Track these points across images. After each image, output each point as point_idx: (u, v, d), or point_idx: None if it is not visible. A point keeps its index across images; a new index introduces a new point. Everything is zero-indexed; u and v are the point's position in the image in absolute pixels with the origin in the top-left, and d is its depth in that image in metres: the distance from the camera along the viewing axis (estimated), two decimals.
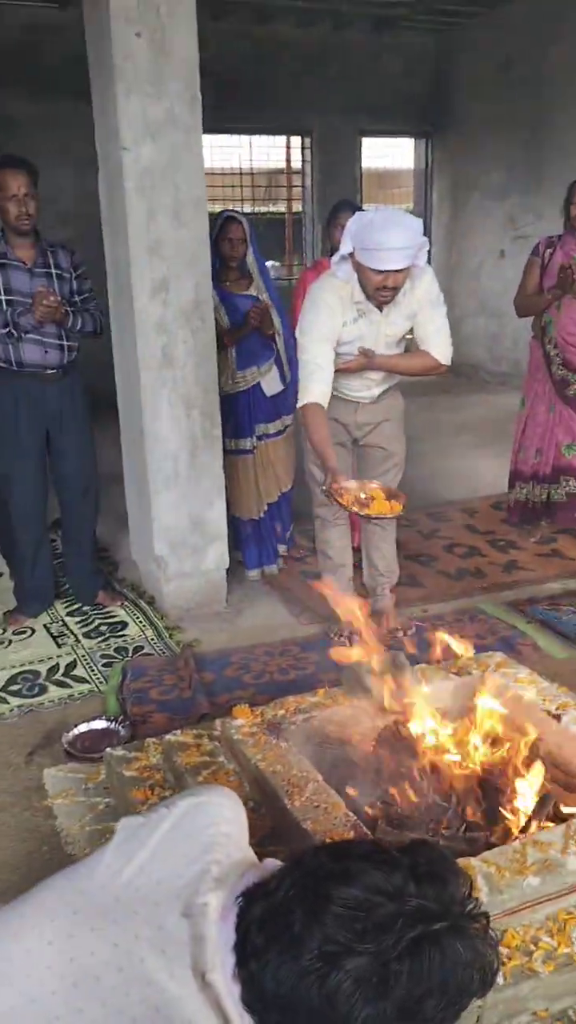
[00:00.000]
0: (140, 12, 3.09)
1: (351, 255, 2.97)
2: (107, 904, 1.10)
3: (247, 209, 9.74)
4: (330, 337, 3.06)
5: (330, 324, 3.05)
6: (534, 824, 2.06)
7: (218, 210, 4.46)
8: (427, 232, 9.25)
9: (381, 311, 3.10)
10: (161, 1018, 1.03)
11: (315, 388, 3.06)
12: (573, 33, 7.22)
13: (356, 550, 3.66)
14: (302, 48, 8.46)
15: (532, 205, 7.81)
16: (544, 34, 7.50)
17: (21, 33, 7.22)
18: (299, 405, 3.09)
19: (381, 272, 2.90)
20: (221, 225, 3.75)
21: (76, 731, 2.78)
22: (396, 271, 2.91)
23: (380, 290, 2.96)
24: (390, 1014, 0.97)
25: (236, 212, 3.84)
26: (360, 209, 3.88)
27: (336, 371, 3.11)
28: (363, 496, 2.92)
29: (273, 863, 1.14)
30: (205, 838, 1.16)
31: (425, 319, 3.17)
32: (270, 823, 2.12)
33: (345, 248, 2.97)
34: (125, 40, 3.10)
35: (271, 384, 3.92)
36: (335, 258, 3.07)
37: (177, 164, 3.28)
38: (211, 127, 8.77)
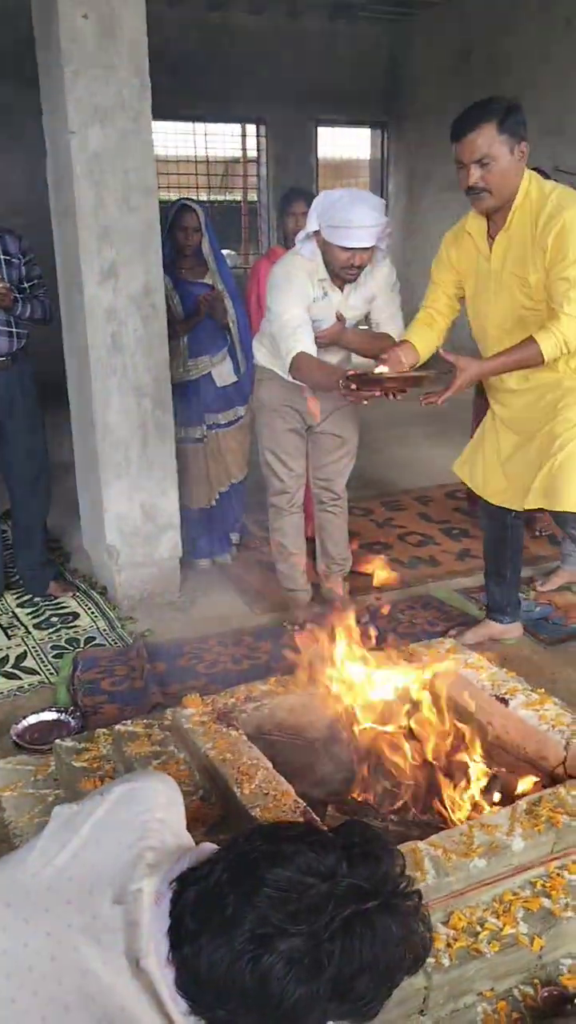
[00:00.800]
0: None
1: (316, 233, 2.96)
2: (39, 893, 1.09)
3: (203, 197, 9.66)
4: (303, 303, 3.02)
5: (302, 293, 3.02)
6: (483, 807, 2.09)
7: (174, 198, 4.42)
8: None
9: (343, 291, 3.09)
10: (95, 1006, 1.02)
11: (304, 339, 2.98)
12: (529, 22, 7.27)
13: (309, 539, 3.67)
14: (256, 36, 8.41)
15: None
16: (500, 24, 7.55)
17: None
18: (290, 357, 2.98)
19: (349, 250, 2.90)
20: (175, 213, 3.71)
21: (25, 723, 2.75)
22: (363, 249, 2.91)
23: (347, 268, 2.96)
24: (323, 993, 0.98)
25: (190, 200, 3.80)
26: (313, 198, 3.87)
27: None
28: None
29: (209, 847, 1.14)
30: (138, 824, 1.15)
31: (383, 303, 3.18)
32: (220, 811, 2.12)
33: (311, 226, 2.96)
34: (72, 21, 3.05)
35: (223, 375, 3.89)
36: (300, 236, 3.04)
37: (126, 149, 3.24)
38: (165, 114, 8.74)
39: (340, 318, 3.08)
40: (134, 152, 3.26)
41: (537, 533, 4.50)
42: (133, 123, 3.23)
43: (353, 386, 2.68)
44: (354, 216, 2.84)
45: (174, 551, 3.73)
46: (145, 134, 3.28)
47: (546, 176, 3.89)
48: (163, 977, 1.01)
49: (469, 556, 4.24)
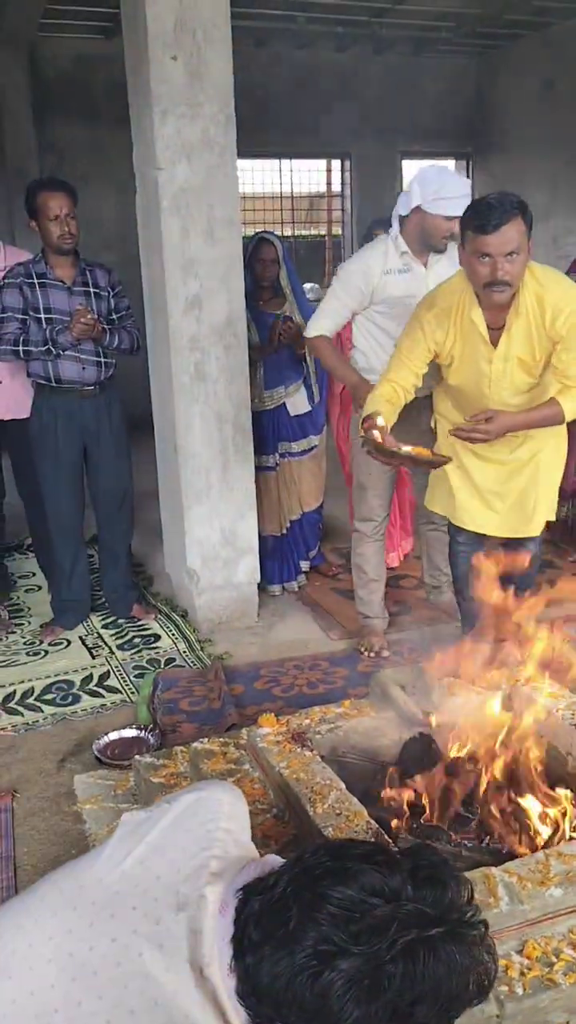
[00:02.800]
0: (176, 36, 3.17)
1: (414, 210, 3.14)
2: (106, 899, 1.11)
3: (287, 232, 9.86)
4: (356, 294, 3.26)
5: (363, 280, 3.24)
6: (559, 836, 2.05)
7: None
8: None
9: (425, 266, 3.26)
10: (160, 1011, 1.04)
11: (327, 323, 3.31)
12: None
13: (390, 569, 3.67)
14: (341, 72, 8.56)
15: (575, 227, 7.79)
16: None
17: (71, 63, 7.43)
18: (308, 335, 3.36)
19: (450, 219, 3.06)
20: (254, 246, 3.82)
21: (107, 739, 2.82)
22: (457, 218, 2.94)
23: (447, 237, 3.15)
24: (381, 1016, 0.97)
25: (269, 234, 3.91)
26: None
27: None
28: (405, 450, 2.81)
29: (274, 859, 1.15)
30: (203, 833, 1.17)
31: None
32: (293, 830, 2.13)
33: (413, 201, 3.13)
34: (161, 63, 3.18)
35: (297, 404, 3.96)
36: (395, 213, 3.25)
37: (211, 184, 3.35)
38: (251, 152, 8.92)
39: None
40: (219, 187, 3.36)
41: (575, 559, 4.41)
42: (218, 159, 3.34)
43: (371, 449, 2.73)
44: (457, 186, 3.09)
45: (252, 575, 3.78)
46: (230, 169, 3.38)
47: None
48: (225, 986, 1.03)
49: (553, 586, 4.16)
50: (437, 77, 8.93)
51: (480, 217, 2.53)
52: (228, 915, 1.06)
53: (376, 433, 2.69)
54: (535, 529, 3.06)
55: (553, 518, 3.13)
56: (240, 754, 2.42)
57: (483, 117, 9.13)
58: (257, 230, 4.18)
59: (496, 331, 2.76)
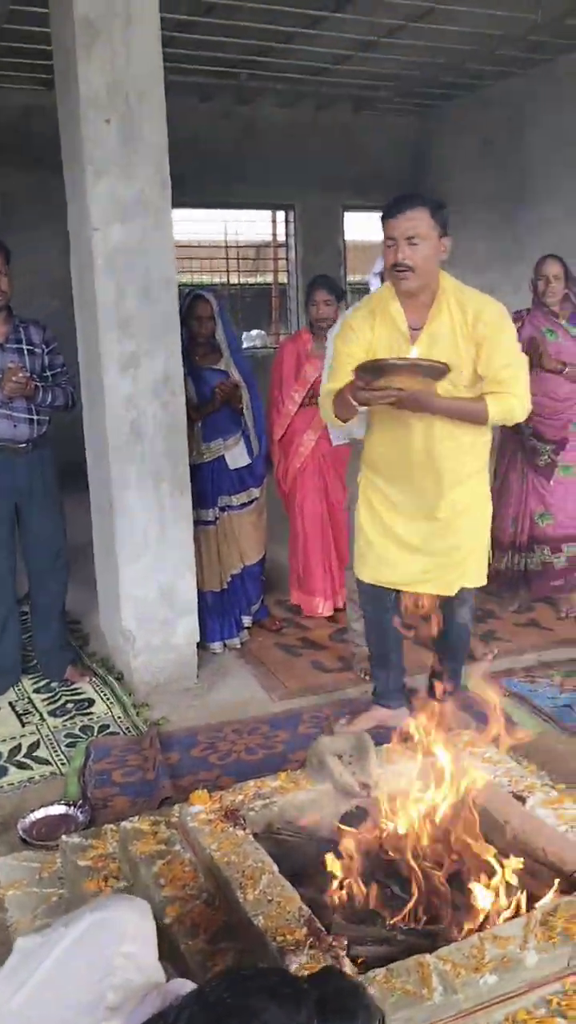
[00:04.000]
0: (109, 99, 3.18)
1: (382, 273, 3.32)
2: None
3: (234, 280, 9.94)
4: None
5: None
6: (498, 914, 2.00)
7: (206, 281, 4.54)
8: None
9: None
10: None
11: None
12: (547, 113, 7.45)
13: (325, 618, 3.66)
14: (285, 127, 8.71)
15: (511, 277, 7.95)
16: (521, 114, 7.75)
17: (15, 113, 7.44)
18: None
19: None
20: (189, 303, 3.81)
21: (33, 817, 2.70)
22: None
23: None
24: None
25: (204, 290, 3.91)
26: (336, 285, 4.00)
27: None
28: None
29: (179, 986, 1.08)
30: (103, 961, 1.10)
31: None
32: (223, 917, 2.04)
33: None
34: (95, 126, 3.18)
35: (236, 457, 3.93)
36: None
37: (147, 244, 3.34)
38: (196, 202, 8.99)
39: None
40: (154, 246, 3.35)
41: (563, 615, 4.41)
42: (154, 220, 3.33)
43: (361, 383, 2.62)
44: None
45: (191, 636, 3.71)
46: (165, 229, 3.38)
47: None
48: None
49: (493, 638, 4.15)
50: (378, 133, 9.13)
51: (388, 206, 2.74)
52: None
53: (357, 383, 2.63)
54: (454, 588, 3.08)
55: (483, 582, 3.15)
56: (171, 833, 2.33)
57: (424, 172, 9.34)
58: (204, 279, 4.20)
59: (417, 331, 2.82)
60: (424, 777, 2.48)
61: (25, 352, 3.47)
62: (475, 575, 3.11)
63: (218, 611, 4.02)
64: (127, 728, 3.36)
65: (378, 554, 3.11)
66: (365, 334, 2.89)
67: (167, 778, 2.93)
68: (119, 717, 3.44)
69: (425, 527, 3.03)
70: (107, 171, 3.22)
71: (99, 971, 1.08)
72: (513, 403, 2.78)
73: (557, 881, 2.07)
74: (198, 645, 3.81)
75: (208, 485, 3.90)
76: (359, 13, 6.05)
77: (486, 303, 2.80)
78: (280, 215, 9.57)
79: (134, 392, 3.42)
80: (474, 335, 2.75)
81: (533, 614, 4.46)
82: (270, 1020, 0.95)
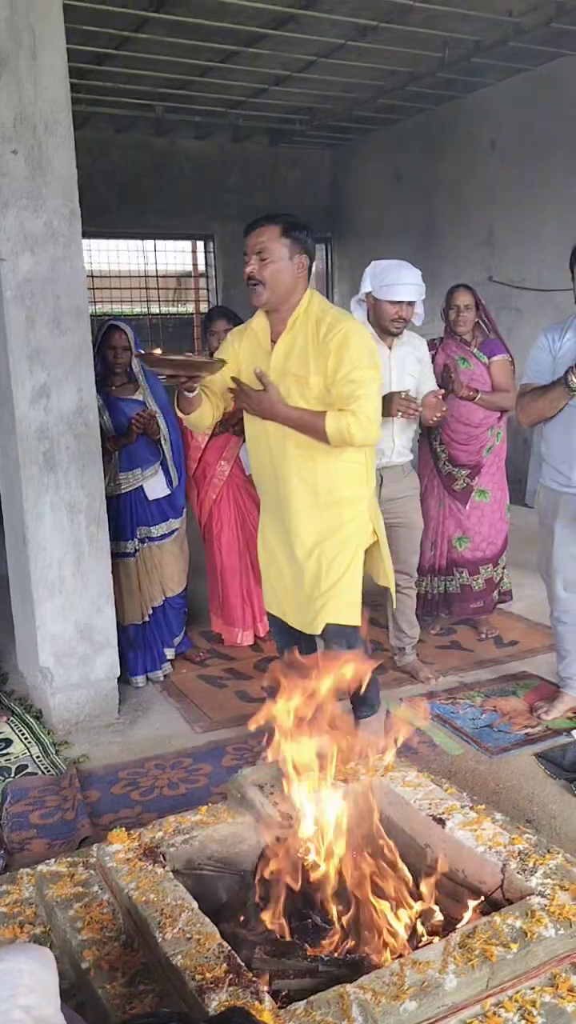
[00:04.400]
0: (17, 130, 3.16)
1: (367, 296, 3.57)
2: None
3: (155, 310, 9.93)
4: None
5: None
6: (419, 937, 2.00)
7: (127, 311, 4.51)
8: None
9: (390, 348, 3.61)
10: None
11: None
12: (455, 149, 7.69)
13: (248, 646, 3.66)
14: (202, 158, 8.80)
15: (424, 306, 8.13)
16: (431, 149, 7.98)
17: None
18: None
19: (396, 303, 3.51)
20: (104, 334, 3.79)
21: None
22: (408, 303, 3.52)
23: (395, 320, 3.55)
24: None
25: (119, 320, 3.90)
26: (234, 315, 4.02)
27: None
28: None
29: None
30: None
31: (425, 371, 3.76)
32: (142, 958, 2.00)
33: (364, 289, 3.59)
34: (2, 156, 3.15)
35: (155, 488, 3.90)
36: (352, 304, 3.65)
37: (57, 275, 3.30)
38: (116, 232, 9.01)
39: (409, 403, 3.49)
40: (65, 277, 3.32)
41: (482, 636, 4.48)
42: (64, 250, 3.31)
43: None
44: (400, 275, 3.50)
45: (111, 671, 3.64)
46: (75, 260, 3.35)
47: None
48: None
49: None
50: (294, 166, 9.30)
51: (248, 224, 2.88)
52: None
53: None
54: (317, 626, 2.95)
55: (353, 621, 2.94)
56: (89, 874, 2.28)
57: (339, 203, 9.54)
58: (125, 308, 4.18)
59: (275, 343, 2.89)
60: (346, 805, 2.48)
61: None
62: (340, 611, 2.93)
63: (140, 644, 3.96)
64: (46, 768, 3.27)
65: (267, 580, 3.14)
66: (234, 345, 3.00)
67: (86, 817, 2.86)
68: (38, 756, 3.35)
69: (286, 554, 3.00)
70: (15, 202, 3.19)
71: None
72: (351, 421, 2.71)
73: (474, 903, 2.09)
74: (120, 679, 3.75)
75: (127, 516, 3.86)
76: (273, 49, 6.16)
77: (342, 319, 2.81)
78: (200, 245, 9.63)
79: (47, 422, 3.37)
80: (324, 348, 2.77)
81: (454, 636, 4.52)
82: None
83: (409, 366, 3.64)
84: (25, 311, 3.27)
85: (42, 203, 3.24)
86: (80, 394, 3.42)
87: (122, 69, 6.53)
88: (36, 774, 3.23)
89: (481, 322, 4.26)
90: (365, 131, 8.70)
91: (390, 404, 3.43)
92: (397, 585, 3.78)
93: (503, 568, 4.52)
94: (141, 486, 3.87)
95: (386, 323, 3.56)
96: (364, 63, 6.54)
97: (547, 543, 3.44)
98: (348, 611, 2.93)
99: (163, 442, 3.85)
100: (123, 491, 3.84)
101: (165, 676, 4.05)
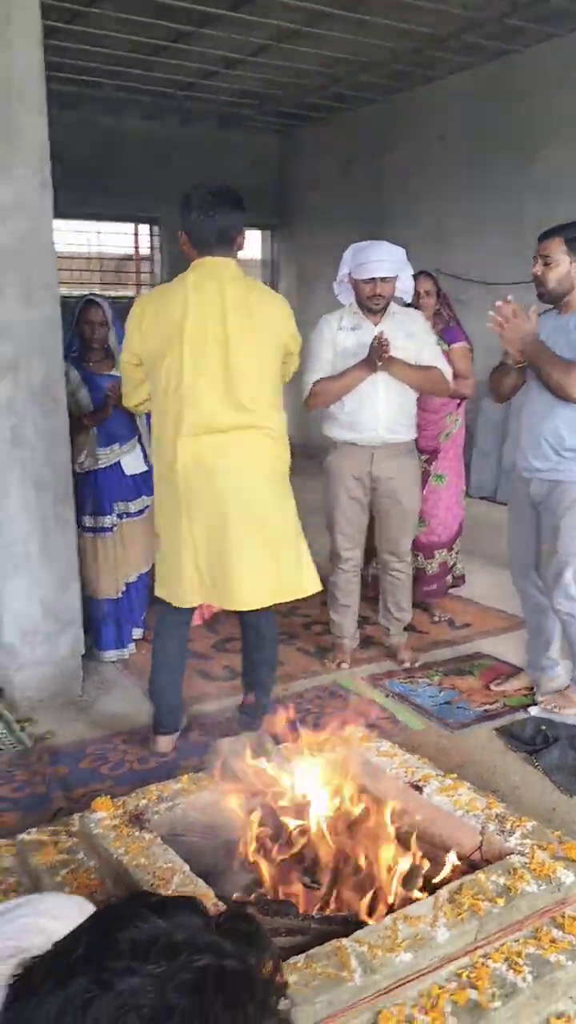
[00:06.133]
0: None
1: (349, 277, 3.62)
2: None
3: (98, 292, 9.80)
4: (322, 353, 3.69)
5: (319, 345, 3.70)
6: (405, 898, 2.06)
7: (65, 292, 4.49)
8: None
9: (375, 325, 3.62)
10: None
11: (317, 369, 3.68)
12: (404, 140, 7.78)
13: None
14: (149, 140, 8.70)
15: None
16: (380, 139, 8.05)
17: None
18: (307, 391, 3.70)
19: (370, 281, 3.54)
20: (82, 308, 3.78)
21: None
22: (382, 279, 3.53)
23: (372, 298, 3.58)
24: None
25: (96, 296, 3.88)
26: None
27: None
28: None
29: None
30: (15, 926, 1.05)
31: (423, 344, 3.72)
32: None
33: (342, 272, 3.65)
34: None
35: (132, 463, 3.91)
36: (336, 286, 3.71)
37: (27, 247, 3.26)
38: (58, 212, 8.84)
39: (383, 342, 3.48)
40: (35, 250, 3.28)
41: (436, 619, 4.58)
42: (34, 223, 3.26)
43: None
44: (370, 253, 3.53)
45: (76, 648, 3.63)
46: (45, 232, 3.32)
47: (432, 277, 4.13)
48: None
49: (372, 644, 4.27)
50: (242, 151, 9.26)
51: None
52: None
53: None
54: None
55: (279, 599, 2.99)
56: (72, 842, 2.29)
57: (287, 191, 9.55)
58: (63, 290, 4.10)
59: None
60: (324, 772, 2.53)
61: None
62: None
63: (114, 619, 3.97)
64: (11, 744, 3.24)
65: (180, 578, 3.02)
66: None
67: (59, 790, 2.86)
68: (2, 733, 3.32)
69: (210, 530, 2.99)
70: None
71: (15, 929, 1.03)
72: None
73: (452, 863, 2.16)
74: (88, 656, 3.73)
75: (105, 492, 3.85)
76: (227, 31, 6.15)
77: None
78: (144, 228, 9.54)
79: (14, 397, 3.32)
80: None
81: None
82: (166, 916, 0.91)
83: (398, 341, 3.58)
84: None
85: (11, 174, 3.18)
86: (48, 370, 3.38)
87: (72, 45, 6.42)
88: (2, 750, 3.20)
89: (442, 309, 4.34)
90: (315, 120, 8.73)
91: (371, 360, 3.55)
92: (387, 566, 3.97)
93: (456, 553, 4.63)
94: (119, 461, 3.86)
95: (364, 300, 3.61)
96: (317, 50, 6.56)
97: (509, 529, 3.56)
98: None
99: (139, 418, 3.85)
100: (101, 466, 3.83)
101: (129, 656, 4.04)
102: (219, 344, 2.77)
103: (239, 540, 2.84)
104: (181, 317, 2.78)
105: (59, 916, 1.10)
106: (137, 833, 2.20)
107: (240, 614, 3.08)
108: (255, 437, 2.86)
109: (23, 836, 2.33)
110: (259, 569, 2.89)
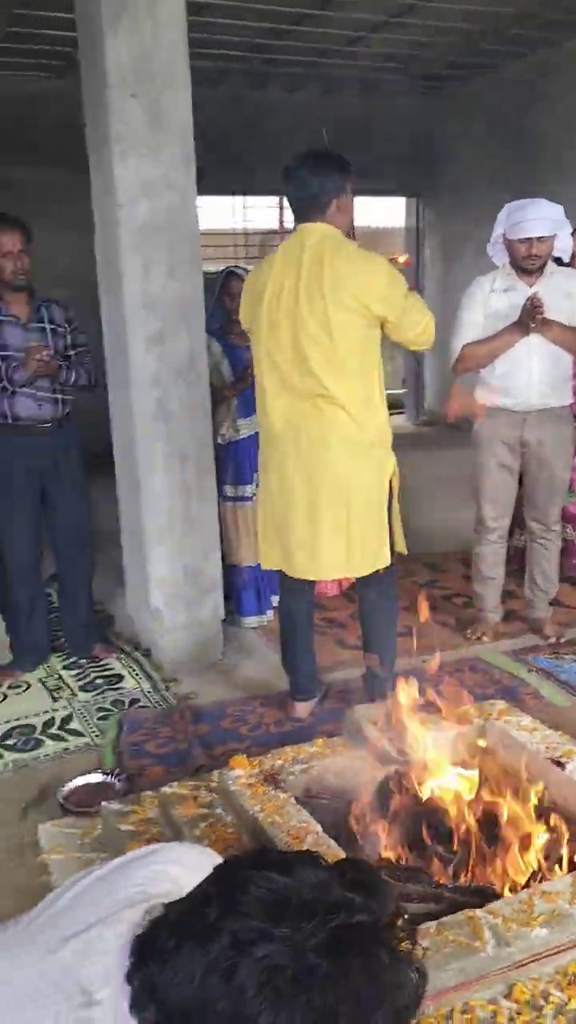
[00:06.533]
0: (136, 77, 3.18)
1: (503, 238, 3.54)
2: (40, 925, 1.06)
3: (245, 267, 9.94)
4: (472, 320, 3.62)
5: (470, 309, 3.63)
6: (543, 874, 2.02)
7: (212, 269, 4.59)
8: (420, 286, 9.40)
9: (530, 286, 3.52)
10: None
11: (465, 334, 3.63)
12: (556, 93, 7.44)
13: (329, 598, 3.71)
14: (293, 112, 8.67)
15: None
16: (529, 95, 7.73)
17: (20, 101, 7.42)
18: (454, 357, 3.66)
19: (525, 241, 3.43)
20: (224, 280, 3.84)
21: (72, 785, 2.73)
22: (539, 239, 3.41)
23: (527, 258, 3.47)
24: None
25: (238, 268, 3.94)
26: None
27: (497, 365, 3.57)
28: None
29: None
30: (147, 872, 1.10)
31: None
32: None
33: (496, 233, 3.58)
34: (121, 103, 3.18)
35: None
36: (489, 248, 3.65)
37: (172, 223, 3.34)
38: (205, 189, 8.97)
39: (536, 303, 3.38)
40: (179, 226, 3.36)
41: None
42: (179, 199, 3.34)
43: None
44: (527, 211, 3.41)
45: (216, 613, 3.74)
46: (190, 209, 3.39)
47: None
48: (116, 1009, 0.94)
49: (516, 617, 4.17)
50: (386, 117, 9.10)
51: None
52: (130, 937, 0.98)
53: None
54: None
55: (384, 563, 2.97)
56: (212, 798, 2.37)
57: (432, 156, 9.32)
58: (209, 266, 4.19)
59: None
60: (458, 743, 2.51)
61: (48, 331, 3.49)
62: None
63: (254, 586, 4.06)
64: (157, 702, 3.39)
65: (281, 547, 3.10)
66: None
67: (200, 747, 2.97)
68: (148, 691, 3.47)
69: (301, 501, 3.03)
70: (132, 147, 3.22)
71: (138, 880, 1.08)
72: None
73: None
74: (230, 621, 3.85)
75: (246, 462, 3.93)
76: None
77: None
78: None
79: (160, 371, 3.43)
80: None
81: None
82: (293, 873, 0.94)
83: (554, 302, 3.46)
84: (141, 259, 3.32)
85: (159, 152, 3.27)
86: (191, 344, 3.47)
87: (214, 20, 6.47)
88: (148, 707, 3.34)
89: None
90: (462, 79, 8.47)
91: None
92: (534, 534, 3.84)
93: None
94: (257, 432, 3.92)
95: (520, 260, 3.50)
96: (466, 5, 6.34)
97: None
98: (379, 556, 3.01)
99: None
100: (242, 436, 3.92)
101: (268, 623, 4.12)
102: (290, 312, 2.78)
103: (304, 510, 2.87)
104: (263, 288, 2.83)
105: (189, 866, 1.14)
106: (272, 792, 2.25)
107: (356, 583, 3.11)
108: (324, 406, 2.80)
109: (166, 789, 2.43)
110: (324, 541, 2.87)
